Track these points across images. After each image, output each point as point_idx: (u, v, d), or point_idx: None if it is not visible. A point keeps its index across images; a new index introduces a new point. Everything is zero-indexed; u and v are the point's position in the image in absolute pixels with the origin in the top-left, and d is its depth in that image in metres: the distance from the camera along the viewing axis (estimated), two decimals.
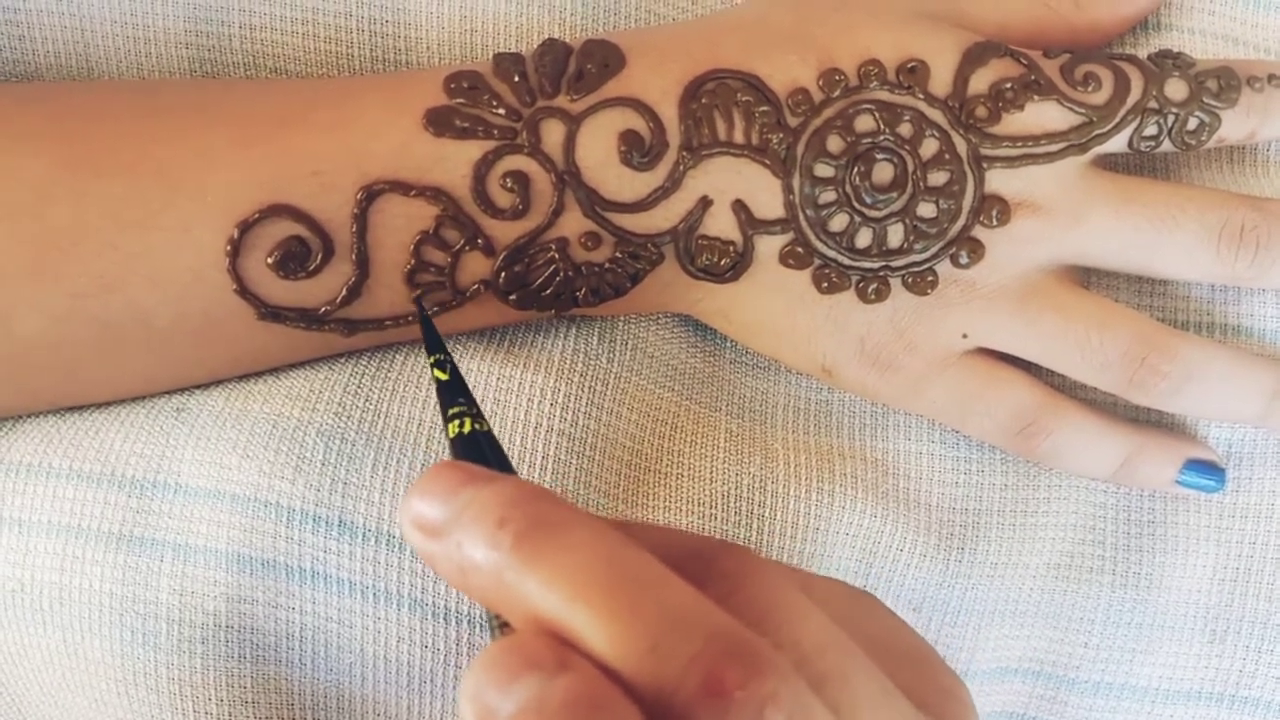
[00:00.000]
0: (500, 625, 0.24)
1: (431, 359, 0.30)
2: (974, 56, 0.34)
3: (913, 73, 0.34)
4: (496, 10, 0.37)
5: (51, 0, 0.36)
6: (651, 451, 0.36)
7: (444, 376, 0.30)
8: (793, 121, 0.33)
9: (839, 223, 0.34)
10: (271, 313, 0.33)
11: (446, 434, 0.28)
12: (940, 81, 0.34)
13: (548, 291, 0.34)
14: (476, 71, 0.33)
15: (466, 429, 0.28)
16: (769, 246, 0.34)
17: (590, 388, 0.35)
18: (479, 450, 0.27)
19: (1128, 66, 0.34)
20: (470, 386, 0.34)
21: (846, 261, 0.34)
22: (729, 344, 0.38)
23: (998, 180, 0.34)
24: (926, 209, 0.34)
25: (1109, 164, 0.36)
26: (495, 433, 0.33)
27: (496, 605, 0.22)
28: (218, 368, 0.34)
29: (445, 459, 0.27)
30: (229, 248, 0.32)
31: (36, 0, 0.36)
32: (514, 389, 0.34)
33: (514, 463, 0.34)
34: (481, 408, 0.34)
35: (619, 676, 0.21)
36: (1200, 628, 0.38)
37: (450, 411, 0.28)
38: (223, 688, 0.33)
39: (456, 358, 0.35)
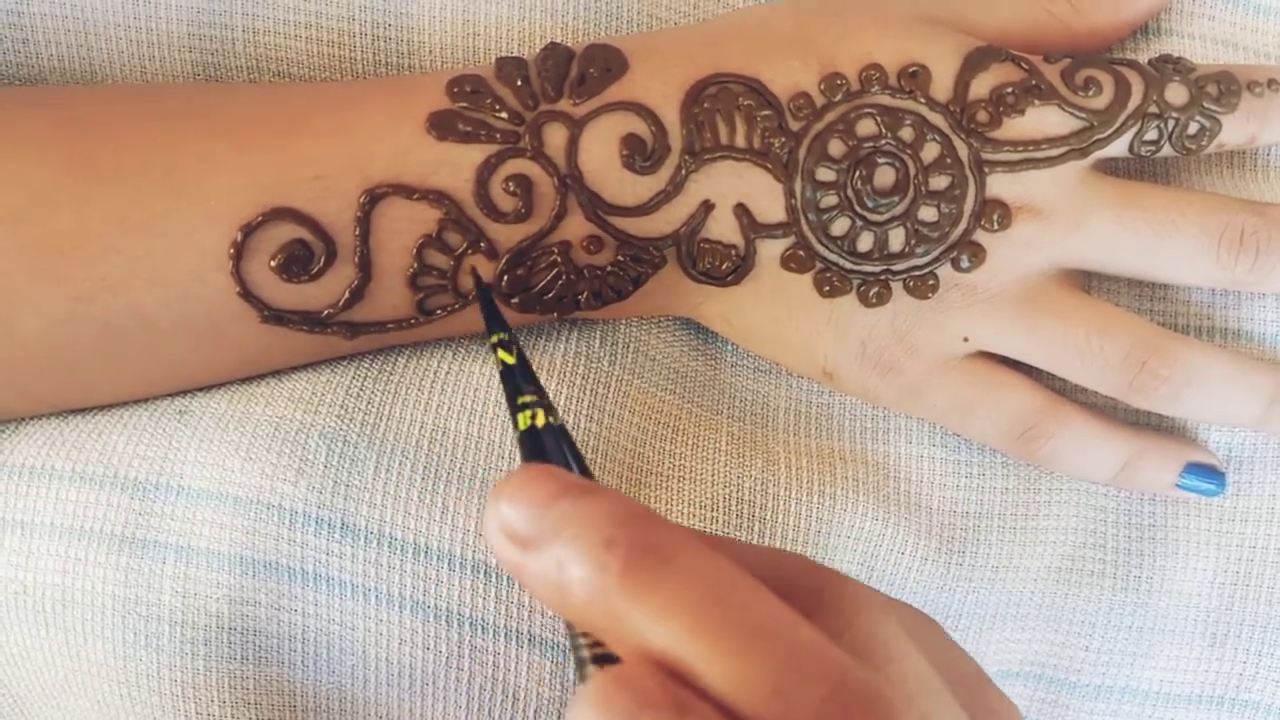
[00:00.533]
0: (591, 646, 0.23)
1: (495, 338, 0.28)
2: (975, 61, 0.34)
3: (914, 77, 0.34)
4: (499, 14, 0.37)
5: (55, 4, 0.36)
6: (653, 454, 0.36)
7: (511, 360, 0.28)
8: (794, 126, 0.34)
9: (840, 226, 0.34)
10: (274, 315, 0.33)
11: (515, 426, 0.26)
12: (941, 86, 0.34)
13: (550, 295, 0.34)
14: (479, 75, 0.34)
15: (540, 422, 0.26)
16: (770, 250, 0.34)
17: (592, 390, 0.35)
18: (551, 448, 0.26)
19: (1128, 71, 0.35)
20: (472, 390, 0.34)
21: (848, 265, 0.34)
22: (730, 347, 0.38)
23: (999, 185, 0.34)
24: (928, 213, 0.34)
25: (1110, 168, 0.36)
26: (492, 439, 0.33)
27: (600, 631, 0.22)
28: (220, 370, 0.34)
29: (526, 463, 0.26)
30: (232, 251, 0.32)
31: (40, 3, 0.36)
32: None
33: (515, 465, 0.34)
34: (483, 410, 0.34)
35: (739, 718, 0.20)
36: (1200, 631, 0.38)
37: (520, 400, 0.27)
38: (225, 689, 0.33)
39: (457, 360, 0.35)
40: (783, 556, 0.24)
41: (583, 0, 0.37)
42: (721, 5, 0.38)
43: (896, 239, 0.34)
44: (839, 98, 0.34)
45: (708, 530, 0.35)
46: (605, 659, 0.23)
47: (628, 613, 0.21)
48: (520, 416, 0.26)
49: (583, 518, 0.22)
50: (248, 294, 0.32)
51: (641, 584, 0.21)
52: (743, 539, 0.35)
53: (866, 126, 0.34)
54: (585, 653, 0.23)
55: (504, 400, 0.34)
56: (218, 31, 0.37)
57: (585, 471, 0.26)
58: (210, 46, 0.37)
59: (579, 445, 0.34)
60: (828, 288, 0.34)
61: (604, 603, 0.21)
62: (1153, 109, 0.34)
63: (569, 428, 0.34)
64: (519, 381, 0.27)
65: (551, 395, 0.35)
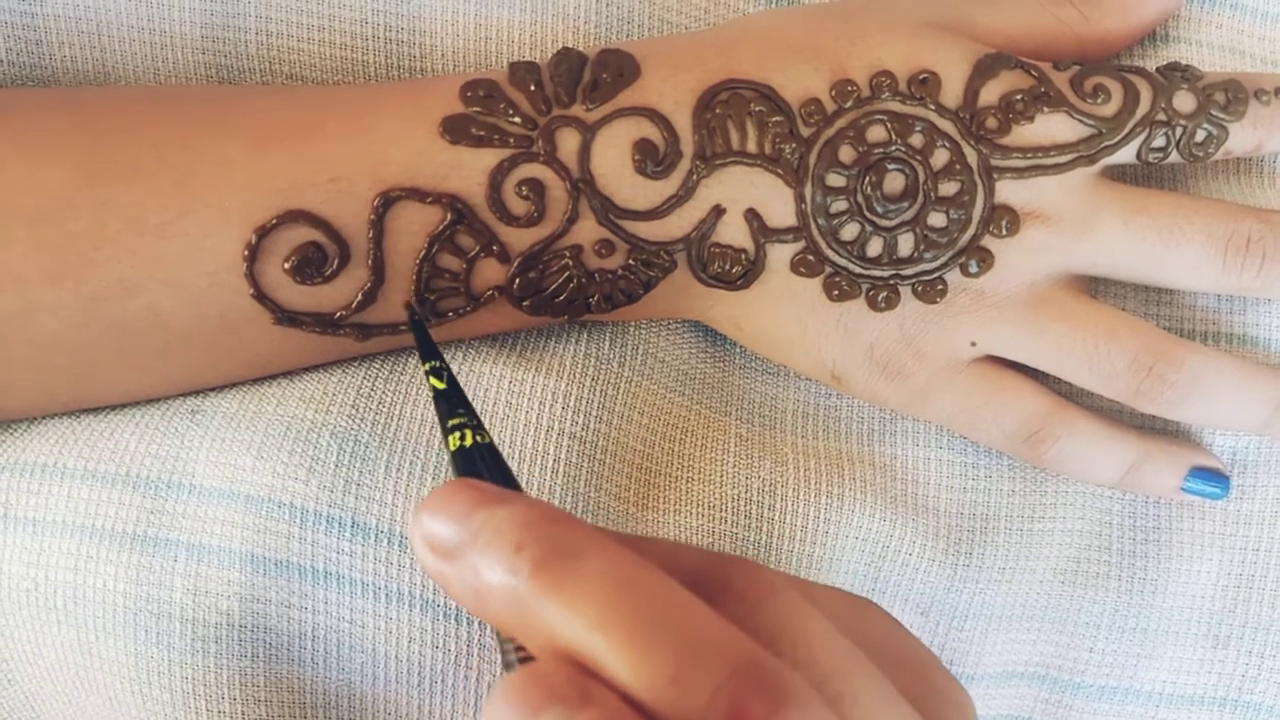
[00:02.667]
0: (515, 649, 0.23)
1: (427, 366, 0.30)
2: (984, 68, 0.34)
3: (924, 84, 0.34)
4: (511, 18, 0.37)
5: (68, 5, 0.36)
6: (662, 455, 0.36)
7: (441, 385, 0.29)
8: (805, 131, 0.34)
9: (850, 231, 0.34)
10: (287, 317, 0.33)
11: (446, 446, 0.28)
12: (951, 93, 0.34)
13: (561, 298, 0.34)
14: (492, 80, 0.34)
15: (468, 442, 0.27)
16: (780, 254, 0.34)
17: (602, 392, 0.36)
18: (481, 463, 0.27)
19: (1136, 79, 0.35)
20: (483, 390, 0.35)
21: (857, 270, 0.34)
22: (739, 349, 0.38)
23: (1007, 191, 0.34)
24: (937, 219, 0.34)
25: (1117, 175, 0.36)
26: (502, 439, 0.33)
27: (514, 631, 0.22)
28: (233, 371, 0.35)
29: (450, 477, 0.27)
30: (246, 253, 0.32)
31: (53, 5, 0.36)
32: (526, 393, 0.35)
33: (526, 465, 0.34)
34: (494, 411, 0.34)
35: (642, 707, 0.21)
36: (1204, 633, 0.38)
37: (450, 423, 0.28)
38: (235, 687, 0.33)
39: (468, 361, 0.35)
40: (693, 551, 0.25)
41: (594, 4, 0.37)
42: (732, 10, 0.38)
43: (905, 244, 0.34)
44: (850, 104, 0.34)
45: (718, 531, 0.35)
46: (527, 662, 0.23)
47: (538, 612, 0.21)
48: (450, 438, 0.28)
49: (496, 525, 0.22)
50: (261, 296, 0.33)
51: (549, 583, 0.21)
52: (751, 539, 0.35)
53: (877, 133, 0.34)
54: (511, 657, 0.24)
55: (513, 402, 0.34)
56: (231, 34, 0.37)
57: (513, 485, 0.27)
58: (223, 49, 0.37)
59: (590, 445, 0.35)
60: (837, 292, 0.35)
61: (517, 604, 0.22)
62: (1161, 116, 0.34)
63: (579, 428, 0.35)
64: (452, 405, 0.29)
65: (562, 396, 0.35)
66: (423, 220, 0.33)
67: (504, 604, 0.22)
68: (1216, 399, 0.35)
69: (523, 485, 0.33)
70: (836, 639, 0.23)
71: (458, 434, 0.28)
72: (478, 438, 0.28)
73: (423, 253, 0.33)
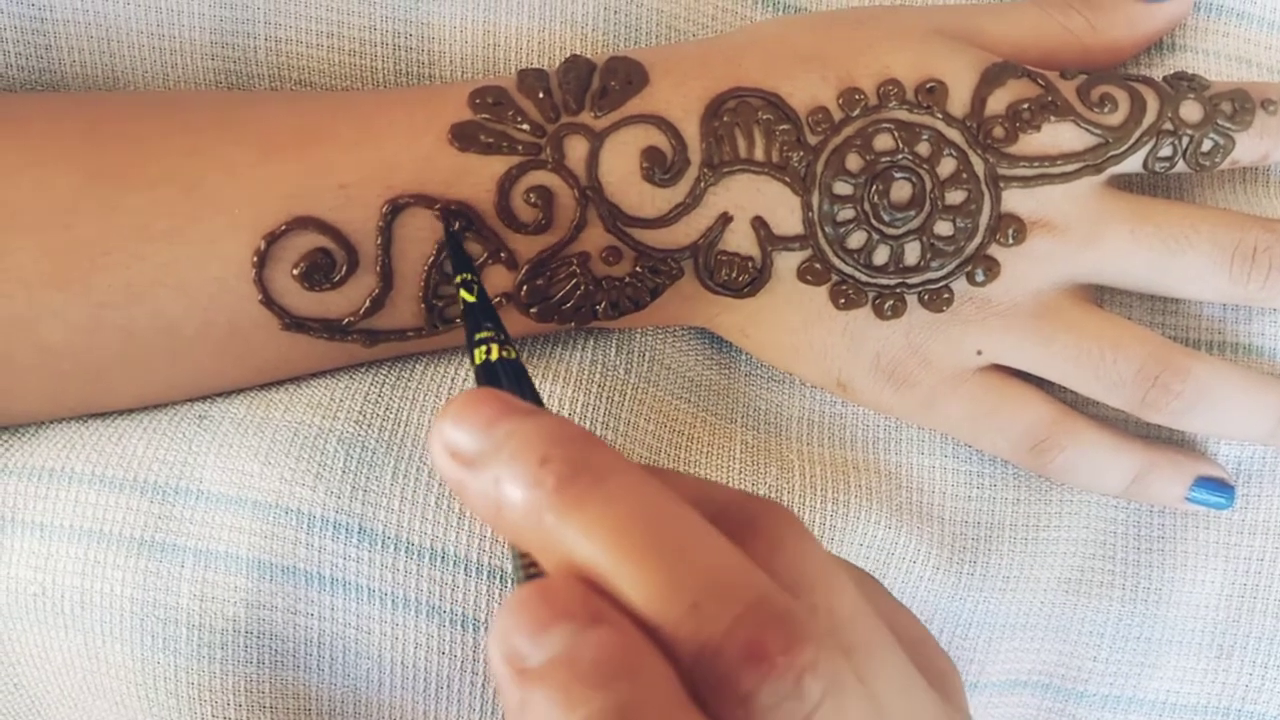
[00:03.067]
0: (527, 565, 0.23)
1: (458, 279, 0.29)
2: (992, 77, 0.34)
3: (931, 93, 0.34)
4: (519, 25, 0.37)
5: (78, 11, 0.36)
6: (668, 462, 0.36)
7: (471, 298, 0.29)
8: (812, 140, 0.34)
9: (857, 240, 0.34)
10: (295, 323, 0.33)
11: (471, 360, 0.27)
12: (958, 101, 0.34)
13: (568, 305, 0.34)
14: (501, 87, 0.34)
15: (494, 356, 0.27)
16: (787, 262, 0.34)
17: (608, 398, 0.36)
18: (505, 380, 0.26)
19: (1143, 88, 0.35)
20: None
21: (864, 278, 0.35)
22: (745, 357, 0.39)
23: (1014, 200, 0.34)
24: (943, 227, 0.34)
25: (1123, 184, 0.36)
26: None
27: (530, 546, 0.22)
28: (241, 376, 0.35)
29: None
30: (255, 259, 0.32)
31: (63, 10, 0.36)
32: None
33: None
34: None
35: (656, 633, 0.20)
36: (1208, 642, 0.38)
37: (477, 336, 0.27)
38: (241, 693, 0.33)
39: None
40: (721, 488, 0.24)
41: (602, 11, 0.37)
42: (739, 17, 0.38)
43: (912, 253, 0.34)
44: (857, 112, 0.34)
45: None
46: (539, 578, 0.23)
47: (557, 528, 0.21)
48: (476, 351, 0.27)
49: (522, 437, 0.22)
50: (269, 301, 0.33)
51: (571, 501, 0.21)
52: None
53: (884, 141, 0.34)
54: (522, 574, 0.23)
55: None
56: (240, 40, 0.37)
57: (538, 403, 0.26)
58: (232, 55, 0.37)
59: None
60: (843, 300, 0.35)
61: (536, 519, 0.21)
62: (1167, 126, 0.34)
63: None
64: (479, 318, 0.28)
65: (568, 402, 0.35)
66: (431, 227, 0.33)
67: (523, 517, 0.21)
68: (1222, 409, 0.35)
69: None
70: (854, 592, 0.23)
71: (484, 348, 0.27)
72: (504, 353, 0.27)
73: (431, 259, 0.33)
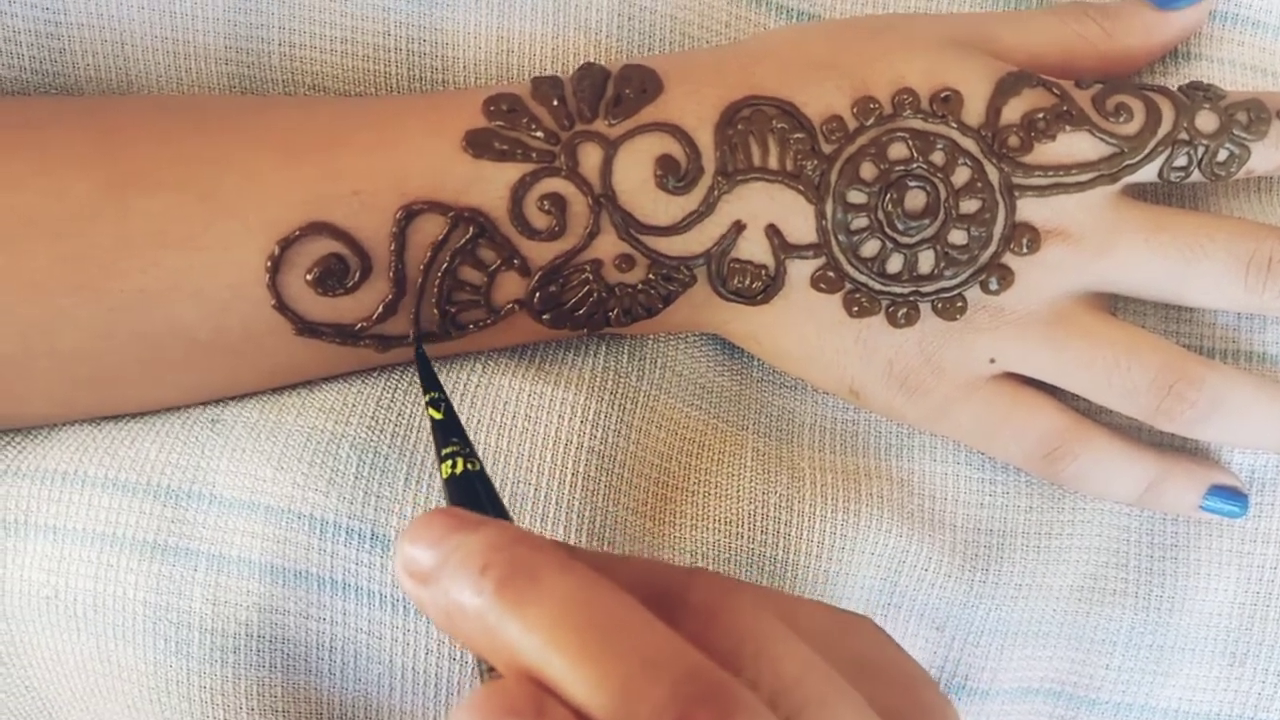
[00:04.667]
0: (488, 670, 0.24)
1: (427, 397, 0.31)
2: (1007, 86, 0.34)
3: (946, 101, 0.34)
4: (533, 31, 0.37)
5: (92, 15, 0.36)
6: (679, 469, 0.36)
7: (438, 415, 0.30)
8: (827, 148, 0.34)
9: (871, 248, 0.34)
10: (308, 328, 0.33)
11: (440, 474, 0.29)
12: (973, 111, 0.34)
13: (581, 311, 0.34)
14: (515, 94, 0.34)
15: (459, 469, 0.28)
16: (801, 270, 0.34)
17: (620, 405, 0.36)
18: (472, 490, 0.28)
19: (1159, 98, 0.35)
20: (502, 403, 0.35)
21: (877, 286, 0.35)
22: (756, 363, 0.39)
23: (1028, 209, 0.34)
24: (958, 236, 0.34)
25: (1138, 193, 0.36)
26: (521, 451, 0.34)
27: (482, 651, 0.23)
28: (253, 380, 0.35)
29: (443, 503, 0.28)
30: (269, 264, 0.32)
31: (77, 14, 0.36)
32: (545, 405, 0.35)
33: (545, 479, 0.34)
34: (513, 424, 0.34)
35: None
36: (1220, 651, 0.38)
37: (444, 452, 0.29)
38: (253, 697, 0.33)
39: (488, 374, 0.35)
40: (662, 567, 0.25)
41: (615, 18, 0.37)
42: (753, 25, 0.38)
43: (926, 261, 0.34)
44: (871, 121, 0.34)
45: (734, 546, 0.35)
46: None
47: (500, 629, 0.22)
48: (443, 466, 0.29)
49: (467, 548, 0.23)
50: (283, 307, 0.33)
51: (510, 603, 0.22)
52: (767, 554, 0.35)
53: (898, 150, 0.34)
54: (486, 678, 0.24)
55: (532, 415, 0.35)
56: (254, 45, 0.37)
57: (500, 510, 0.28)
58: (246, 60, 0.37)
59: (608, 459, 0.35)
60: (856, 308, 0.35)
61: (482, 624, 0.22)
62: (1183, 136, 0.34)
63: (598, 441, 0.35)
64: (447, 435, 0.30)
65: (581, 409, 0.35)
66: (445, 233, 0.33)
67: (471, 623, 0.23)
68: (1237, 418, 0.35)
69: (541, 498, 0.34)
70: (802, 653, 0.24)
71: (449, 462, 0.29)
72: (468, 465, 0.29)
73: (444, 265, 0.33)
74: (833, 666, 0.24)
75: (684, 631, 0.23)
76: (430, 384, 0.31)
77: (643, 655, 0.21)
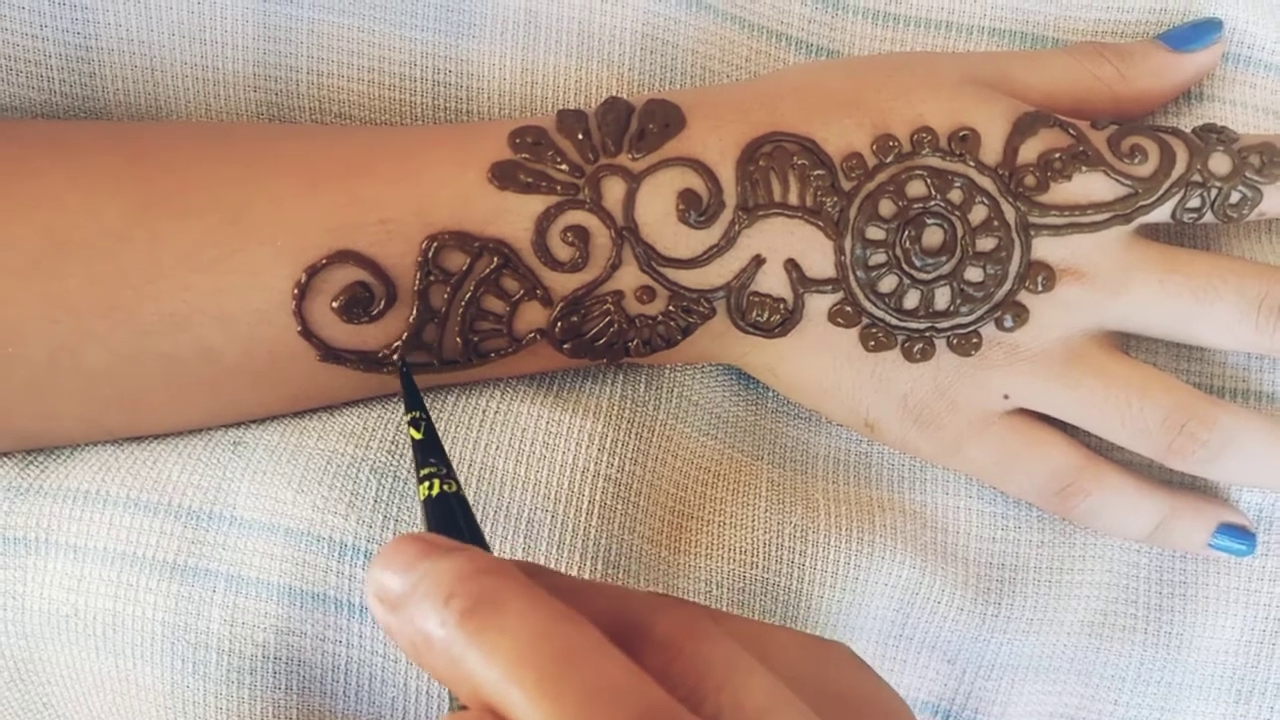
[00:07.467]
0: (459, 703, 0.24)
1: (408, 416, 0.31)
2: (1024, 126, 0.35)
3: (964, 140, 0.34)
4: (557, 63, 0.38)
5: (123, 40, 0.36)
6: (694, 499, 0.36)
7: (419, 436, 0.30)
8: (846, 185, 0.34)
9: (888, 284, 0.35)
10: (333, 355, 0.33)
11: (419, 496, 0.29)
12: (991, 150, 0.34)
13: (601, 341, 0.35)
14: (541, 127, 0.34)
15: (435, 491, 0.28)
16: (819, 305, 0.35)
17: (637, 434, 0.36)
18: (449, 512, 0.28)
19: (1173, 140, 0.35)
20: (520, 430, 0.35)
21: (894, 321, 0.35)
22: (772, 394, 0.39)
23: (1044, 247, 0.35)
24: (974, 273, 0.35)
25: (1150, 233, 0.37)
26: (538, 479, 0.34)
27: (446, 682, 0.23)
28: (276, 404, 0.35)
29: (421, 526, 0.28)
30: (295, 291, 0.33)
31: (108, 39, 0.36)
32: (562, 433, 0.35)
33: (562, 506, 0.34)
34: (531, 450, 0.35)
35: None
36: (1226, 688, 0.38)
37: (422, 473, 0.29)
38: (270, 718, 0.33)
39: (506, 400, 0.36)
40: (632, 596, 0.25)
41: (639, 52, 0.38)
42: (774, 60, 0.39)
43: (942, 298, 0.35)
44: (890, 159, 0.34)
45: (748, 575, 0.35)
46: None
47: (463, 659, 0.22)
48: (421, 487, 0.29)
49: (434, 576, 0.23)
50: (308, 333, 0.33)
51: (472, 633, 0.22)
52: (781, 584, 0.36)
53: (917, 188, 0.34)
54: (456, 706, 0.24)
55: (550, 442, 0.35)
56: (283, 73, 0.37)
57: (476, 533, 0.28)
58: (275, 88, 0.37)
59: (624, 487, 0.35)
60: (873, 343, 0.35)
61: (446, 655, 0.22)
62: (1196, 178, 0.35)
63: (614, 470, 0.35)
64: (426, 455, 0.30)
65: (598, 437, 0.35)
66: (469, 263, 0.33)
67: (436, 655, 0.23)
68: (1247, 458, 0.35)
69: (558, 525, 0.34)
70: (768, 683, 0.24)
71: (427, 484, 0.29)
72: (445, 487, 0.29)
73: (468, 295, 0.33)
74: (802, 698, 0.24)
75: (648, 664, 0.23)
76: (413, 403, 0.31)
77: (600, 688, 0.21)
